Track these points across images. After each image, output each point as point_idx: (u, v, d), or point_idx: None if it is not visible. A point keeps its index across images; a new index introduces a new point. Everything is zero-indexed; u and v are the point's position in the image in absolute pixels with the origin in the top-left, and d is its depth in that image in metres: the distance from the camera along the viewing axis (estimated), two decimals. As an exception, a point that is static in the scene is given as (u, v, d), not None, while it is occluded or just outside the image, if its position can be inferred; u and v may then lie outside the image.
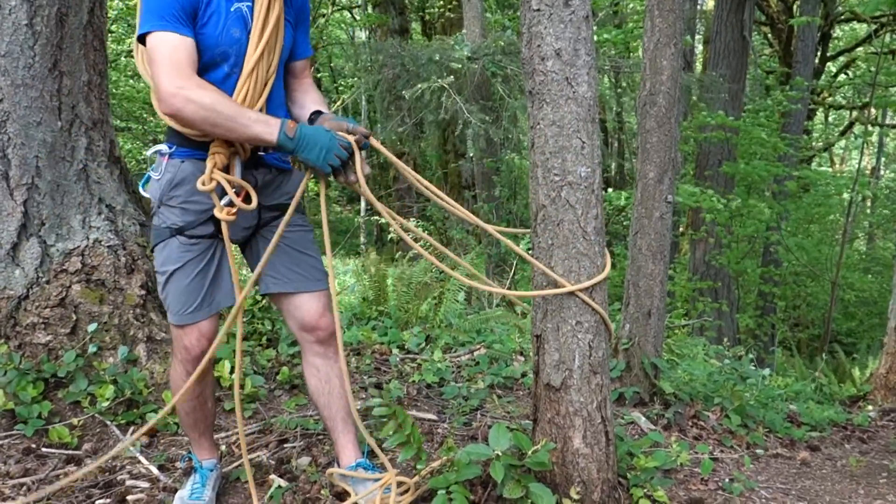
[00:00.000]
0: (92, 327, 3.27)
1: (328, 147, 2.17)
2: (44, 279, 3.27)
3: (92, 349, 3.26)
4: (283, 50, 2.34)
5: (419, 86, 8.45)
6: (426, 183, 2.45)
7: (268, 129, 2.13)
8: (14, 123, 3.24)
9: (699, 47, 14.25)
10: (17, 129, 3.24)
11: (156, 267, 2.36)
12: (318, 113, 2.42)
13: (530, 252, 2.44)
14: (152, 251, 2.39)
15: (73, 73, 3.39)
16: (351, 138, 2.23)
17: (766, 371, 4.89)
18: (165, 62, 2.08)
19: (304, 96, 2.51)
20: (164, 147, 2.31)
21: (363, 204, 13.11)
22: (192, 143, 2.25)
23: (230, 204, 2.22)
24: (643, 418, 3.45)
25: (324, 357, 2.51)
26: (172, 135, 2.30)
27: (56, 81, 3.33)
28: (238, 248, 2.54)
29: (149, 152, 2.35)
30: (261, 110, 2.27)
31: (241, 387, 3.44)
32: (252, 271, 2.47)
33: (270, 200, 2.42)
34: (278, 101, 2.39)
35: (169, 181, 2.29)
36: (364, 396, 3.67)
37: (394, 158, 2.45)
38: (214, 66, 2.23)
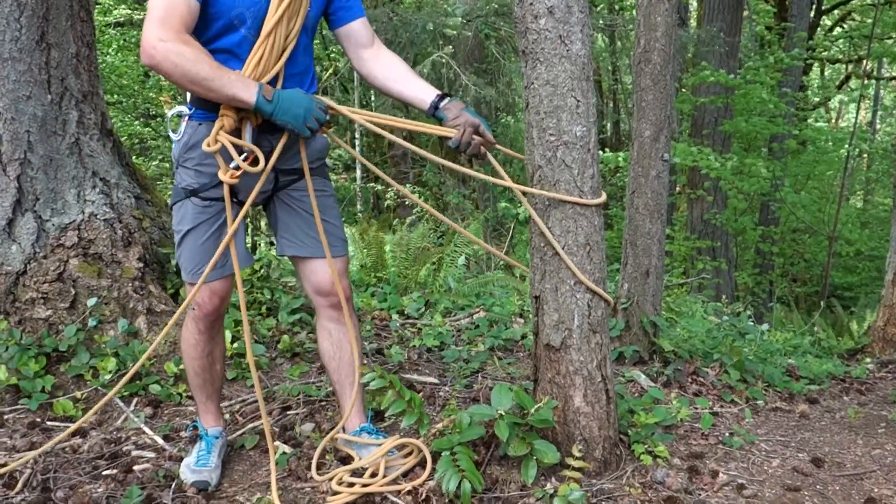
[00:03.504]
0: (91, 301, 3.27)
1: (306, 110, 2.17)
2: (41, 254, 3.26)
3: (92, 323, 3.27)
4: (308, 17, 2.29)
5: (423, 63, 8.36)
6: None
7: (246, 91, 2.12)
8: (3, 98, 3.21)
9: (693, 3, 14.09)
10: (7, 103, 3.21)
11: (173, 225, 2.41)
12: (442, 97, 2.40)
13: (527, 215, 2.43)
14: (171, 209, 2.41)
15: (60, 45, 3.35)
16: (326, 101, 2.25)
17: (765, 326, 4.91)
18: (157, 15, 2.07)
19: (397, 71, 2.47)
20: (184, 108, 2.32)
21: (359, 171, 13.05)
22: (210, 105, 2.24)
23: (237, 167, 2.23)
24: (643, 376, 3.48)
25: (337, 322, 2.54)
26: (193, 97, 2.30)
27: (44, 54, 3.29)
28: (262, 210, 2.57)
29: (170, 113, 2.37)
30: (277, 75, 2.26)
31: (244, 355, 3.46)
32: (273, 233, 2.50)
33: (288, 164, 2.41)
34: (299, 69, 2.35)
35: (185, 143, 2.31)
36: (365, 362, 3.69)
37: (498, 168, 2.44)
38: (231, 28, 2.21)
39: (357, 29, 2.46)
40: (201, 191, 2.31)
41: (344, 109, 2.32)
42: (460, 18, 8.57)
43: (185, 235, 2.36)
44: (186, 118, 2.32)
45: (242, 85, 2.11)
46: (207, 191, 2.31)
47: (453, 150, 2.37)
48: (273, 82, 2.26)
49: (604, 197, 2.37)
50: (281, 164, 2.38)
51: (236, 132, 2.24)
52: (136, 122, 11.78)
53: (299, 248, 2.46)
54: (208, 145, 2.19)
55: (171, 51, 2.05)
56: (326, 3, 2.40)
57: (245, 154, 2.24)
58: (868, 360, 4.41)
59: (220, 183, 2.27)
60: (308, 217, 2.45)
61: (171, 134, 2.36)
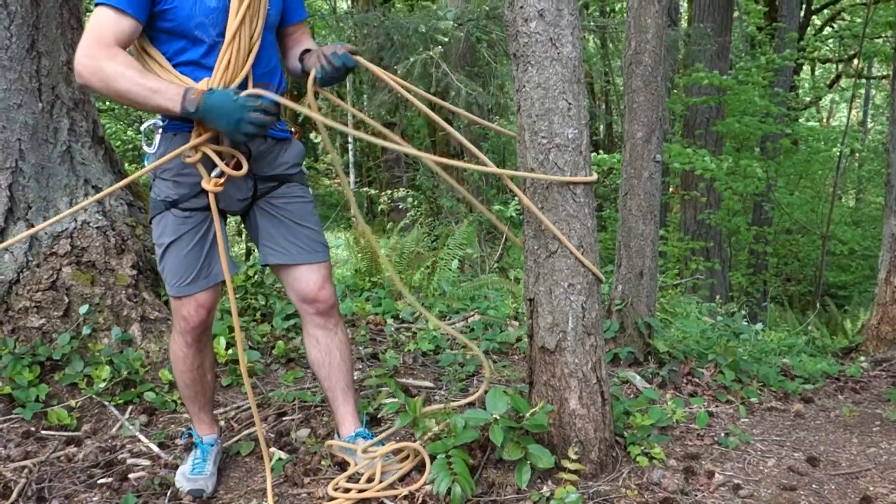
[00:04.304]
0: (84, 309, 3.26)
1: (237, 117, 2.09)
2: (34, 263, 3.25)
3: (86, 331, 3.26)
4: (268, 15, 2.30)
5: (411, 59, 8.36)
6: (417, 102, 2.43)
7: (169, 101, 2.09)
8: (-6, 107, 3.20)
9: (684, 4, 14.13)
10: (-2, 112, 3.20)
11: (154, 239, 2.38)
12: (307, 51, 2.42)
13: (520, 217, 2.44)
14: (150, 223, 2.40)
15: (51, 53, 3.34)
16: (276, 97, 2.18)
17: (759, 326, 4.92)
18: (91, 34, 2.09)
19: (297, 47, 2.50)
20: (157, 121, 2.31)
21: (352, 176, 13.06)
22: (182, 116, 2.23)
23: (220, 175, 2.22)
24: (638, 377, 3.48)
25: (324, 328, 2.53)
26: None
27: (34, 62, 3.28)
28: (241, 220, 2.55)
29: (143, 126, 2.36)
30: (246, 77, 2.26)
31: (238, 361, 3.45)
32: (254, 243, 2.49)
33: (267, 171, 2.40)
34: (266, 69, 2.35)
35: (161, 155, 2.28)
36: (360, 367, 3.68)
37: (378, 71, 2.42)
38: (195, 40, 2.20)
39: (295, 27, 2.52)
40: (181, 201, 2.30)
41: (293, 105, 2.26)
42: (451, 21, 8.56)
43: (167, 248, 2.33)
44: (160, 130, 2.30)
45: (164, 96, 2.09)
46: (188, 201, 2.30)
47: (324, 82, 2.36)
48: (244, 85, 2.26)
49: (595, 176, 2.38)
50: (259, 170, 2.38)
51: (214, 139, 2.23)
52: (129, 129, 11.76)
53: (282, 255, 2.45)
54: (188, 156, 2.18)
55: (96, 68, 2.06)
56: (282, 2, 2.41)
57: (226, 161, 2.23)
58: (862, 358, 4.42)
59: (201, 192, 2.27)
60: (290, 224, 2.44)
61: (145, 147, 2.34)
